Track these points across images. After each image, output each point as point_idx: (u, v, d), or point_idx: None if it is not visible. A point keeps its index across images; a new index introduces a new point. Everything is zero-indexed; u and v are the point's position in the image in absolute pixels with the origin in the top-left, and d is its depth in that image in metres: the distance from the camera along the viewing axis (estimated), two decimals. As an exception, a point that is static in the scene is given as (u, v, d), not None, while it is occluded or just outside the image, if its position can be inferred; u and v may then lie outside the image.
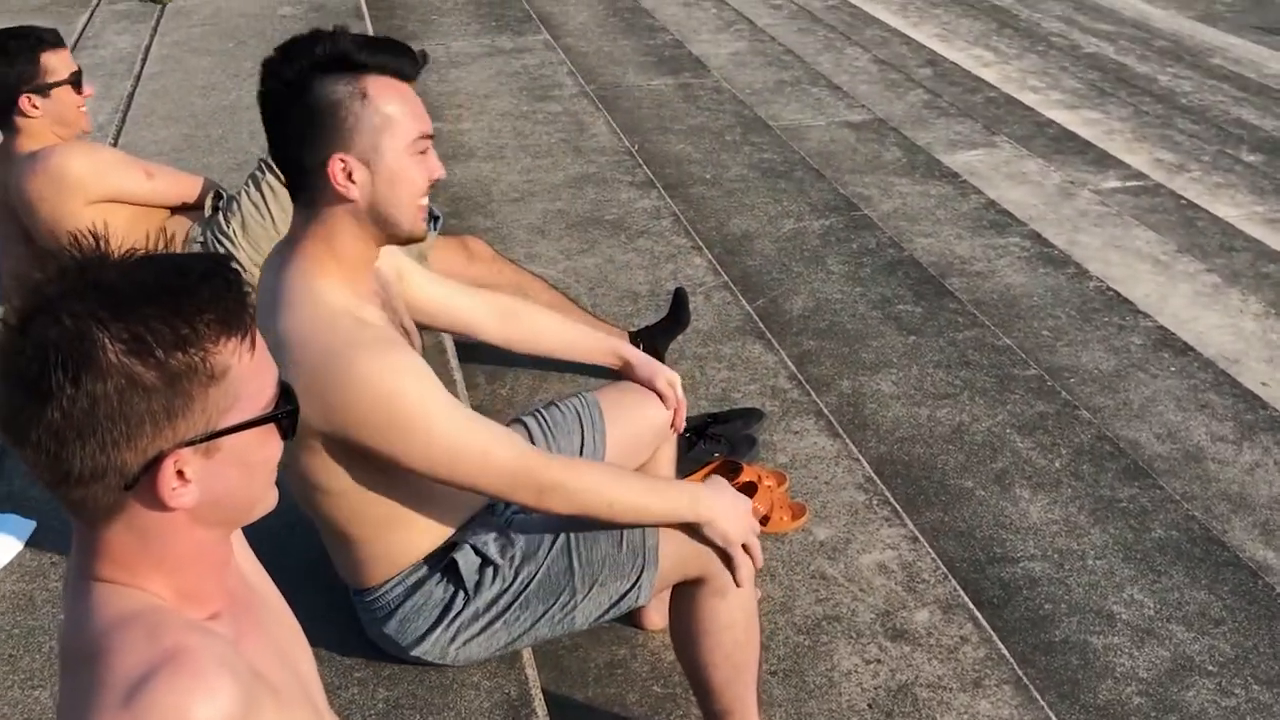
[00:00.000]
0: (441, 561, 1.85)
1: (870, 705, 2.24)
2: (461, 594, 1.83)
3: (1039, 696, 2.30)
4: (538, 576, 1.84)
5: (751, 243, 4.51)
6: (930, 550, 2.69)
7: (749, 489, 2.74)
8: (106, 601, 1.06)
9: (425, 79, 5.61)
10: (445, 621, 1.86)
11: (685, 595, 1.88)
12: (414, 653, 1.90)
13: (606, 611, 1.87)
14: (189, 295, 1.02)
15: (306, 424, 1.55)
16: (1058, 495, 3.13)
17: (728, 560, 1.82)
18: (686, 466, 2.79)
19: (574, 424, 2.14)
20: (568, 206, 4.17)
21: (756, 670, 1.97)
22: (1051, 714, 2.28)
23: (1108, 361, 4.01)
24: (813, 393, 3.27)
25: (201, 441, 1.03)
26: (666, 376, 2.20)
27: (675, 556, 1.83)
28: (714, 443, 2.90)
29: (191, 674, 0.99)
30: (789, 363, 3.38)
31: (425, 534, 1.85)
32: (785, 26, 8.42)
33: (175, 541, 1.07)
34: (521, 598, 1.84)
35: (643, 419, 2.18)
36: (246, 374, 1.05)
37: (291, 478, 1.74)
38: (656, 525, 1.82)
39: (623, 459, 2.12)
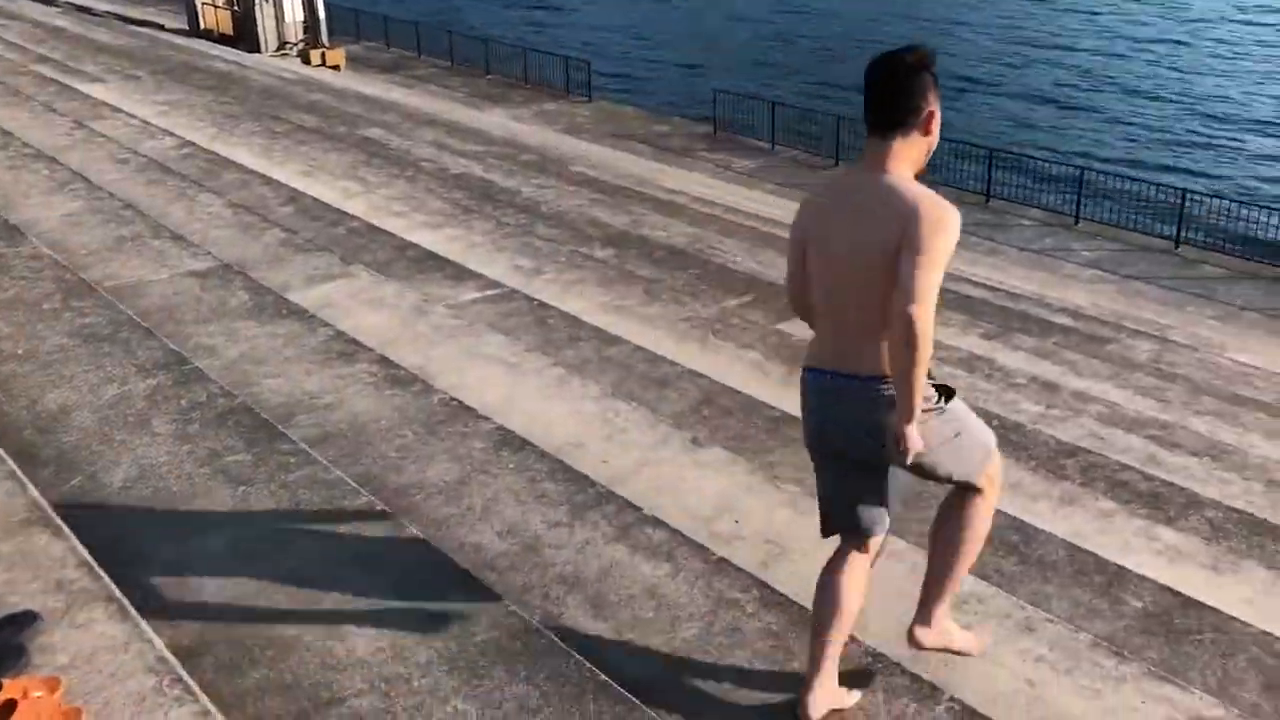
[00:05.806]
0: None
1: None
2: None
3: None
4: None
5: (69, 416, 4.14)
6: (224, 722, 2.50)
7: (9, 708, 2.40)
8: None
9: None
10: None
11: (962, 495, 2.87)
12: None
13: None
14: None
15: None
16: (385, 621, 3.07)
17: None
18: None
19: None
20: None
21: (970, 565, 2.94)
22: None
23: (452, 471, 4.08)
24: (106, 576, 2.99)
25: None
26: None
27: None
28: (-30, 664, 2.53)
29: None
30: (80, 549, 3.07)
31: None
32: (132, 181, 8.04)
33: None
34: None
35: None
36: None
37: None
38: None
39: None
